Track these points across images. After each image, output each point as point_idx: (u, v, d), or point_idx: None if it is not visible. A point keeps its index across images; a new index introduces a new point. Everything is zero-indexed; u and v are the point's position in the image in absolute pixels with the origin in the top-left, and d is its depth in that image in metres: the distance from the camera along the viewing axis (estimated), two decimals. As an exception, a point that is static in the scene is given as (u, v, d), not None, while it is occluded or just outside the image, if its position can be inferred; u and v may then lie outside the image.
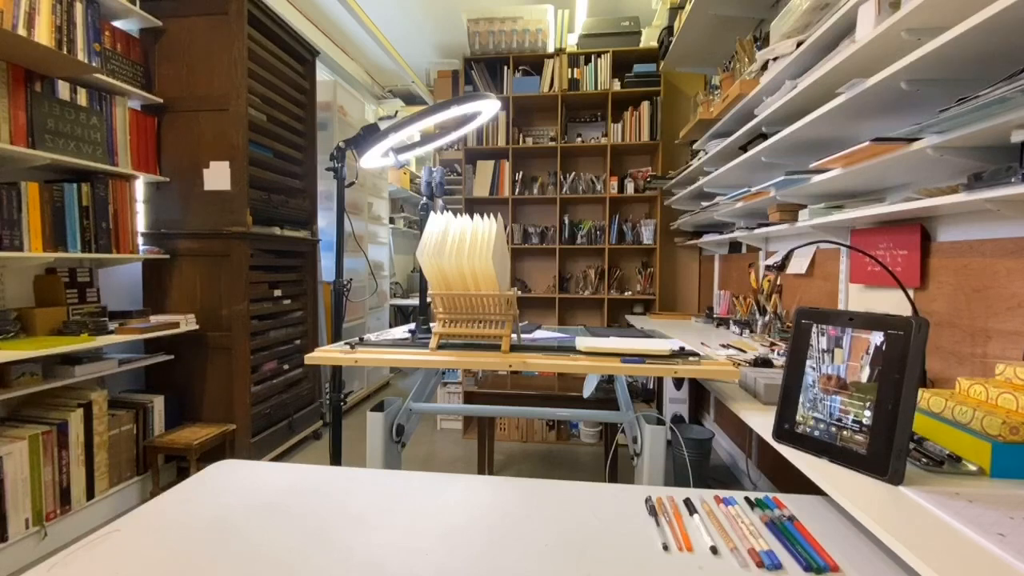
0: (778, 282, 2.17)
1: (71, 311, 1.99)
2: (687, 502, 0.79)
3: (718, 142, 2.24)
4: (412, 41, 4.12)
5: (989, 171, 0.95)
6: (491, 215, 1.20)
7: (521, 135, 3.42)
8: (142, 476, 2.19)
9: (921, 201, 1.11)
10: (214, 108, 2.34)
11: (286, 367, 2.79)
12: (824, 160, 1.33)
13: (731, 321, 2.28)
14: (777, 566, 0.62)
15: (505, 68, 3.31)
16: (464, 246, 1.16)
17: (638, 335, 1.51)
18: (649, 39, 3.25)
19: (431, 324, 1.37)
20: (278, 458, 2.68)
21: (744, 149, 1.94)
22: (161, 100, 2.34)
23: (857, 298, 1.65)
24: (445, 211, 1.25)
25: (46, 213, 1.85)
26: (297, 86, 2.91)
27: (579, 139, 3.40)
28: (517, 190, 3.40)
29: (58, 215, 1.89)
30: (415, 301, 4.45)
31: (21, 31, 1.75)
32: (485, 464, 2.42)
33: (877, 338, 0.79)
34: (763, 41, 2.04)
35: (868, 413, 0.77)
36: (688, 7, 2.42)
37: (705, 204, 2.54)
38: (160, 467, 2.23)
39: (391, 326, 4.61)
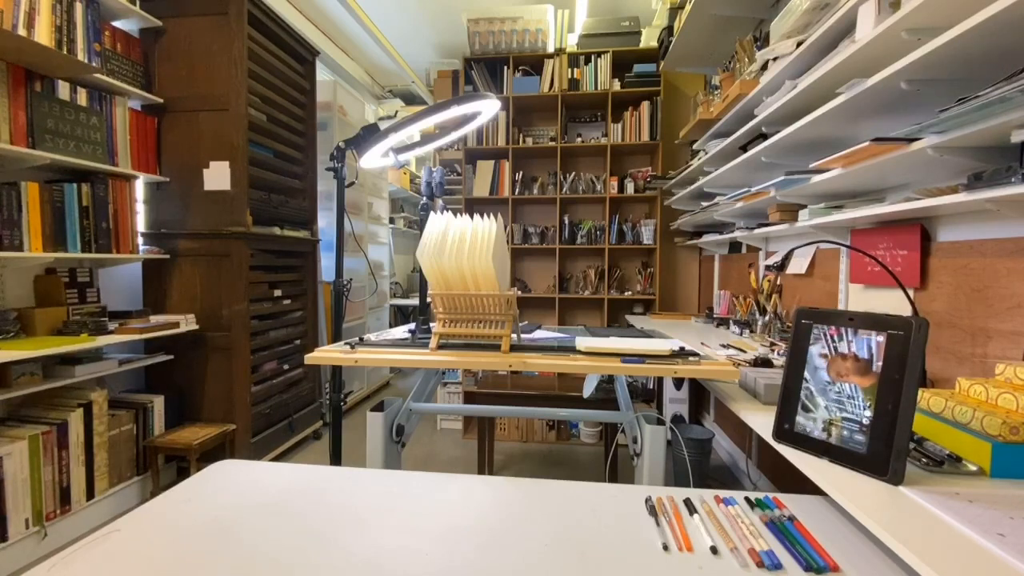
0: (778, 282, 2.17)
1: (71, 311, 1.99)
2: (687, 502, 0.79)
3: (718, 142, 2.24)
4: (412, 41, 4.12)
5: (989, 171, 0.95)
6: (491, 215, 1.20)
7: (521, 135, 3.42)
8: (142, 476, 2.19)
9: (921, 201, 1.11)
10: (214, 108, 2.34)
11: (286, 367, 2.79)
12: (824, 160, 1.33)
13: (731, 321, 2.28)
14: (777, 566, 0.62)
15: (505, 68, 3.31)
16: (464, 246, 1.16)
17: (638, 335, 1.50)
18: (649, 39, 3.25)
19: (431, 324, 1.37)
20: (278, 458, 2.68)
21: (744, 149, 1.94)
22: (161, 100, 2.34)
23: (857, 298, 1.65)
24: (445, 211, 1.25)
25: (46, 213, 1.85)
26: (297, 86, 2.91)
27: (579, 139, 3.39)
28: (517, 190, 3.40)
29: (58, 215, 1.89)
30: (415, 301, 4.45)
31: (21, 31, 1.75)
32: (485, 464, 2.42)
33: (877, 338, 0.79)
34: (763, 41, 2.04)
35: (868, 413, 0.77)
36: (688, 7, 2.42)
37: (705, 204, 2.54)
38: (160, 467, 2.23)
39: (391, 326, 4.61)
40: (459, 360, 1.16)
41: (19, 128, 1.76)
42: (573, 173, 3.39)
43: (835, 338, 0.85)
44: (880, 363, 0.77)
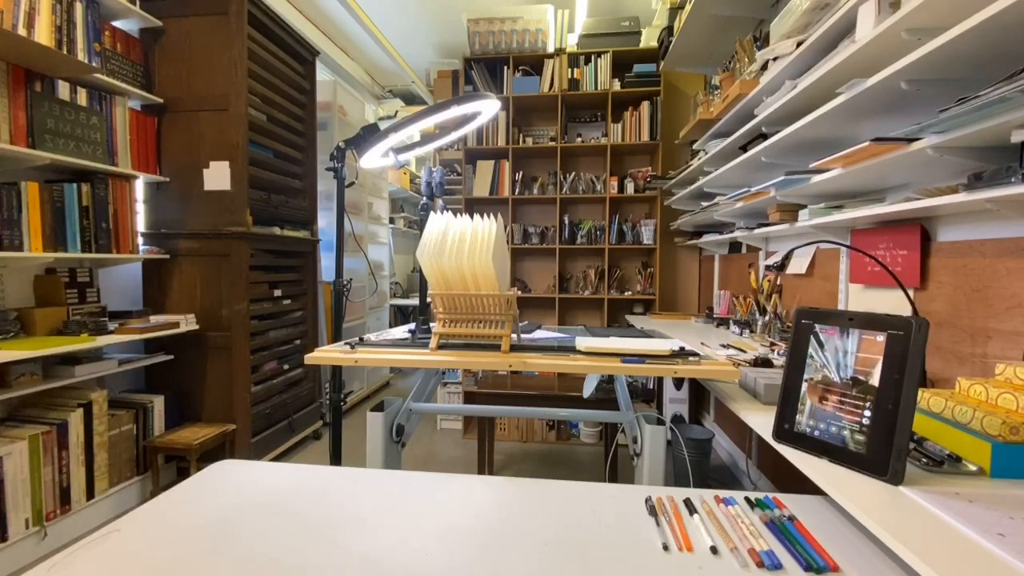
0: (778, 282, 2.17)
1: (71, 311, 1.99)
2: (687, 502, 0.79)
3: (718, 142, 2.24)
4: (412, 41, 4.12)
5: (989, 171, 0.95)
6: (491, 215, 1.20)
7: (521, 135, 3.42)
8: (142, 476, 2.19)
9: (921, 201, 1.11)
10: (214, 108, 2.34)
11: (286, 367, 2.79)
12: (824, 160, 1.33)
13: (731, 321, 2.28)
14: (777, 566, 0.62)
15: (505, 68, 3.31)
16: (464, 246, 1.16)
17: (638, 335, 1.50)
18: (649, 39, 3.25)
19: (431, 324, 1.37)
20: (278, 458, 2.68)
21: (744, 149, 1.94)
22: (161, 100, 2.34)
23: (857, 298, 1.65)
24: (445, 211, 1.25)
25: (46, 213, 1.85)
26: (297, 86, 2.91)
27: (579, 139, 3.39)
28: (517, 190, 3.40)
29: (58, 215, 1.89)
30: (415, 301, 4.45)
31: (21, 31, 1.75)
32: (485, 464, 2.42)
33: (877, 338, 0.79)
34: (763, 41, 2.04)
35: (868, 413, 0.77)
36: (688, 7, 2.42)
37: (705, 204, 2.54)
38: (160, 467, 2.23)
39: (391, 326, 4.61)
40: (459, 360, 1.16)
41: (19, 128, 1.76)
42: (573, 173, 3.39)
43: (835, 338, 0.85)
44: (880, 363, 0.77)
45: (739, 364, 1.31)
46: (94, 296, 2.14)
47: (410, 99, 5.12)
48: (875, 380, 0.77)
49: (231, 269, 2.35)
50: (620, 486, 0.85)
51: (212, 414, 2.41)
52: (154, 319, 2.21)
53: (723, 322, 2.46)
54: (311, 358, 1.21)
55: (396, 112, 5.02)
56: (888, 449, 0.73)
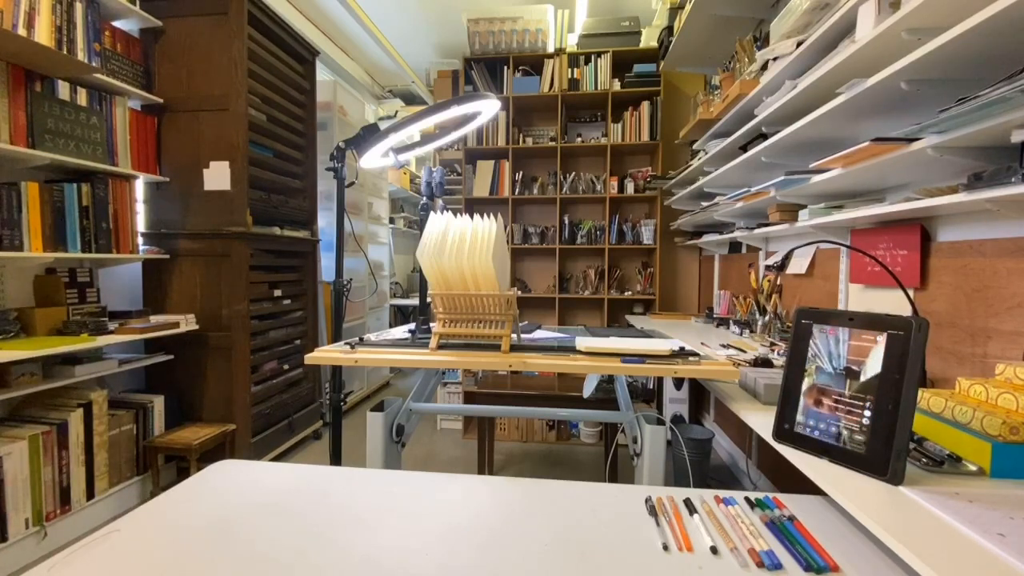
0: (778, 282, 2.17)
1: (71, 311, 1.99)
2: (687, 502, 0.79)
3: (718, 142, 2.24)
4: (412, 41, 4.12)
5: (989, 171, 0.95)
6: (491, 215, 1.20)
7: (521, 135, 3.42)
8: (142, 476, 2.19)
9: (921, 201, 1.11)
10: (214, 108, 2.34)
11: (286, 367, 2.79)
12: (824, 160, 1.33)
13: (731, 321, 2.28)
14: (777, 566, 0.62)
15: (505, 68, 3.31)
16: (464, 246, 1.16)
17: (638, 335, 1.50)
18: (649, 39, 3.25)
19: (431, 324, 1.37)
20: (278, 458, 2.68)
21: (744, 149, 1.94)
22: (161, 100, 2.34)
23: (857, 298, 1.65)
24: (445, 211, 1.25)
25: (46, 213, 1.85)
26: (297, 86, 2.91)
27: (579, 139, 3.39)
28: (517, 190, 3.40)
29: (58, 215, 1.89)
30: (415, 301, 4.45)
31: (21, 31, 1.75)
32: (485, 464, 2.42)
33: (877, 338, 0.79)
34: (763, 41, 2.04)
35: (868, 413, 0.77)
36: (688, 7, 2.42)
37: (705, 204, 2.54)
38: (160, 467, 2.23)
39: (391, 326, 4.61)
40: (459, 360, 1.16)
41: (19, 128, 1.76)
42: (573, 173, 3.39)
43: (835, 338, 0.85)
44: (880, 363, 0.77)
45: (739, 364, 1.31)
46: (94, 296, 2.14)
47: (410, 99, 5.12)
48: (875, 380, 0.77)
49: (231, 269, 2.35)
50: (620, 486, 0.85)
51: (212, 414, 2.41)
52: (154, 319, 2.21)
53: (723, 322, 2.46)
54: (311, 358, 1.21)
55: (396, 112, 5.02)
56: (888, 449, 0.73)
